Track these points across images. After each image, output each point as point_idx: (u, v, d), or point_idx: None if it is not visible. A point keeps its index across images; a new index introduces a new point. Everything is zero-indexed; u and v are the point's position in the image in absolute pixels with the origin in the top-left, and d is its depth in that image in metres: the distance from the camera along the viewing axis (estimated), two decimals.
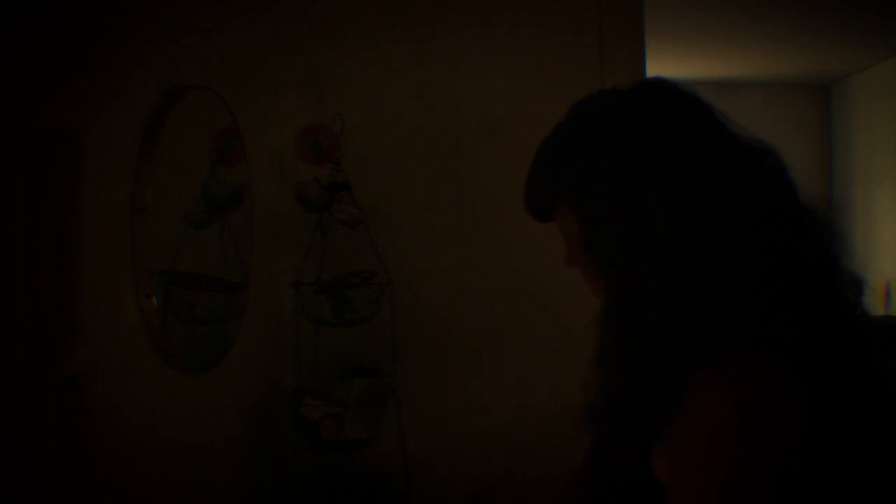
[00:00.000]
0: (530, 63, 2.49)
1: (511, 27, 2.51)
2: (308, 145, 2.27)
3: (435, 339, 2.47)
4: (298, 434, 2.24)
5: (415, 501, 2.40)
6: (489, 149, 2.48)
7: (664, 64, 5.41)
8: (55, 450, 1.34)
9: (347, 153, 2.31)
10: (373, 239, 2.31)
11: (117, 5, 1.55)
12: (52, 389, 1.33)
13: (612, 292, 1.06)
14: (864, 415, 0.96)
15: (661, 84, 1.12)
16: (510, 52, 2.50)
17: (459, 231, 2.48)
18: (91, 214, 1.40)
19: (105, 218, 1.50)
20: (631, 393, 1.02)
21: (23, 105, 1.28)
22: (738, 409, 0.92)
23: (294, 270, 2.31)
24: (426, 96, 2.49)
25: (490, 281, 2.47)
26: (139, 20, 1.62)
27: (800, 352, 0.94)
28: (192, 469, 1.82)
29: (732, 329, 0.96)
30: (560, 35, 2.50)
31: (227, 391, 2.05)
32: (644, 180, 1.02)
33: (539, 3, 2.51)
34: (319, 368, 2.37)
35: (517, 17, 2.51)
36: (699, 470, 0.93)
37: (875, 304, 5.82)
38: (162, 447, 1.67)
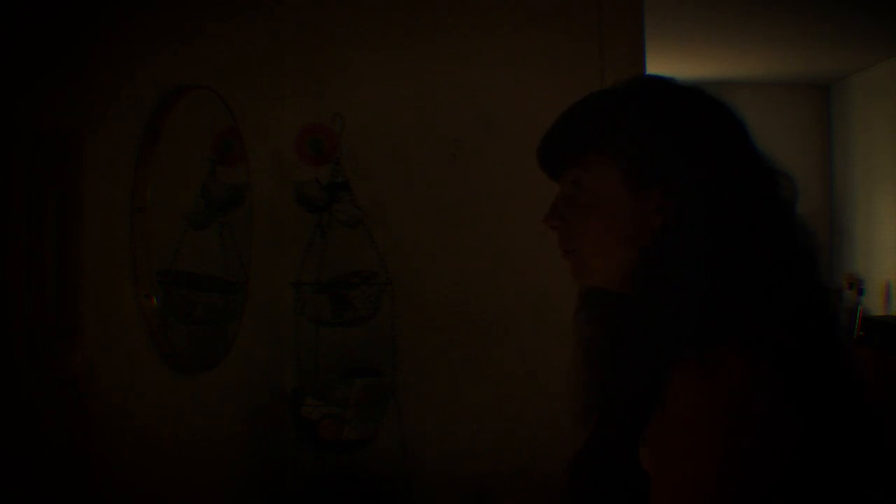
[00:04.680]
0: (530, 63, 2.49)
1: (511, 27, 2.51)
2: (308, 145, 2.27)
3: (435, 339, 2.47)
4: (298, 434, 2.24)
5: (415, 501, 2.40)
6: (489, 149, 2.48)
7: (664, 64, 5.41)
8: (55, 450, 1.34)
9: (347, 153, 2.31)
10: (373, 239, 2.31)
11: (118, 5, 1.55)
12: (52, 389, 1.33)
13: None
14: (841, 417, 0.97)
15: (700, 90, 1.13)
16: (510, 53, 2.50)
17: (459, 231, 2.48)
18: (91, 214, 1.40)
19: (105, 218, 1.50)
20: (620, 386, 1.03)
21: (23, 105, 1.28)
22: (720, 409, 0.92)
23: (294, 270, 2.31)
24: (426, 96, 2.50)
25: (490, 280, 2.47)
26: (139, 20, 1.62)
27: (780, 354, 0.95)
28: (193, 469, 1.82)
29: (717, 329, 0.96)
30: (560, 35, 2.50)
31: (227, 391, 2.05)
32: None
33: (539, 3, 2.52)
34: (319, 368, 2.37)
35: (517, 17, 2.51)
36: (677, 468, 0.94)
37: (875, 304, 5.82)
38: (162, 447, 1.67)
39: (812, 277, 1.03)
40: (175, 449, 1.73)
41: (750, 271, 0.99)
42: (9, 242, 1.25)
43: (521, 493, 2.40)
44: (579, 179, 1.10)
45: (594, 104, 1.13)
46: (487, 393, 2.45)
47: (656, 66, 4.64)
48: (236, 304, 2.03)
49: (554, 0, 2.51)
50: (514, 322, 2.45)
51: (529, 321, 2.44)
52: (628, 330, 1.05)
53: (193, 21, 1.88)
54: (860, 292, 5.90)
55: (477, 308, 2.48)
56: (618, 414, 1.04)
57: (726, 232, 1.00)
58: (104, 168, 1.48)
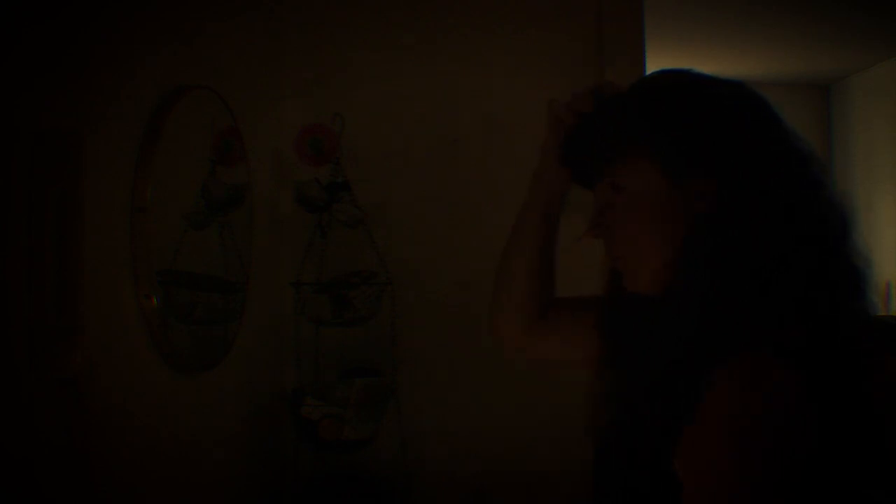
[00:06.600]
0: (530, 63, 2.49)
1: (511, 27, 2.51)
2: (308, 145, 2.27)
3: (435, 339, 2.47)
4: (298, 434, 2.24)
5: (415, 501, 2.40)
6: (489, 148, 2.48)
7: (664, 64, 5.40)
8: (55, 450, 1.34)
9: (347, 153, 2.31)
10: (373, 239, 2.31)
11: (118, 5, 1.55)
12: (52, 389, 1.33)
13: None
14: (849, 420, 0.97)
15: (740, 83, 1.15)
16: (510, 52, 2.50)
17: (459, 230, 2.48)
18: (91, 214, 1.40)
19: (105, 218, 1.50)
20: (654, 390, 1.02)
21: (23, 105, 1.28)
22: (764, 419, 0.92)
23: (294, 270, 2.31)
24: (426, 96, 2.49)
25: (490, 280, 2.47)
26: (139, 20, 1.62)
27: (810, 358, 0.94)
28: (192, 469, 1.82)
29: (756, 329, 0.96)
30: (560, 35, 2.50)
31: (227, 391, 2.05)
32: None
33: (538, 3, 2.52)
34: (319, 368, 2.37)
35: (517, 17, 2.51)
36: (716, 475, 0.93)
37: (875, 304, 5.81)
38: (162, 447, 1.67)
39: (849, 284, 1.04)
40: (175, 449, 1.73)
41: (791, 265, 0.99)
42: (9, 242, 1.25)
43: (521, 493, 2.40)
44: (618, 184, 1.09)
45: (619, 106, 1.13)
46: (487, 393, 2.45)
47: (656, 66, 4.63)
48: (236, 304, 2.03)
49: (553, 0, 2.51)
50: None
51: None
52: (665, 331, 1.03)
53: (193, 21, 1.88)
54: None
55: (477, 308, 2.47)
56: (650, 419, 1.02)
57: (769, 217, 1.00)
58: (104, 168, 1.48)
